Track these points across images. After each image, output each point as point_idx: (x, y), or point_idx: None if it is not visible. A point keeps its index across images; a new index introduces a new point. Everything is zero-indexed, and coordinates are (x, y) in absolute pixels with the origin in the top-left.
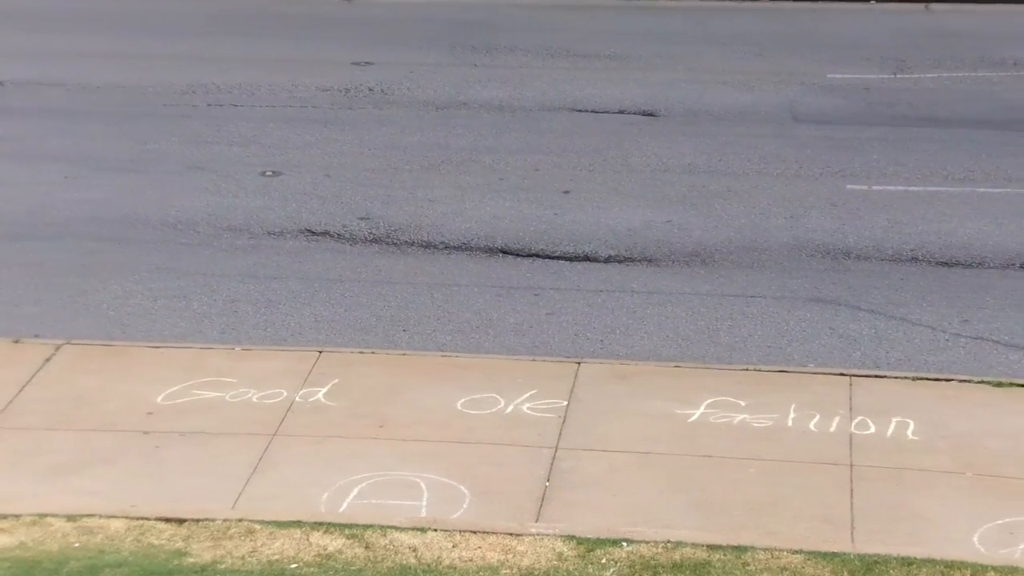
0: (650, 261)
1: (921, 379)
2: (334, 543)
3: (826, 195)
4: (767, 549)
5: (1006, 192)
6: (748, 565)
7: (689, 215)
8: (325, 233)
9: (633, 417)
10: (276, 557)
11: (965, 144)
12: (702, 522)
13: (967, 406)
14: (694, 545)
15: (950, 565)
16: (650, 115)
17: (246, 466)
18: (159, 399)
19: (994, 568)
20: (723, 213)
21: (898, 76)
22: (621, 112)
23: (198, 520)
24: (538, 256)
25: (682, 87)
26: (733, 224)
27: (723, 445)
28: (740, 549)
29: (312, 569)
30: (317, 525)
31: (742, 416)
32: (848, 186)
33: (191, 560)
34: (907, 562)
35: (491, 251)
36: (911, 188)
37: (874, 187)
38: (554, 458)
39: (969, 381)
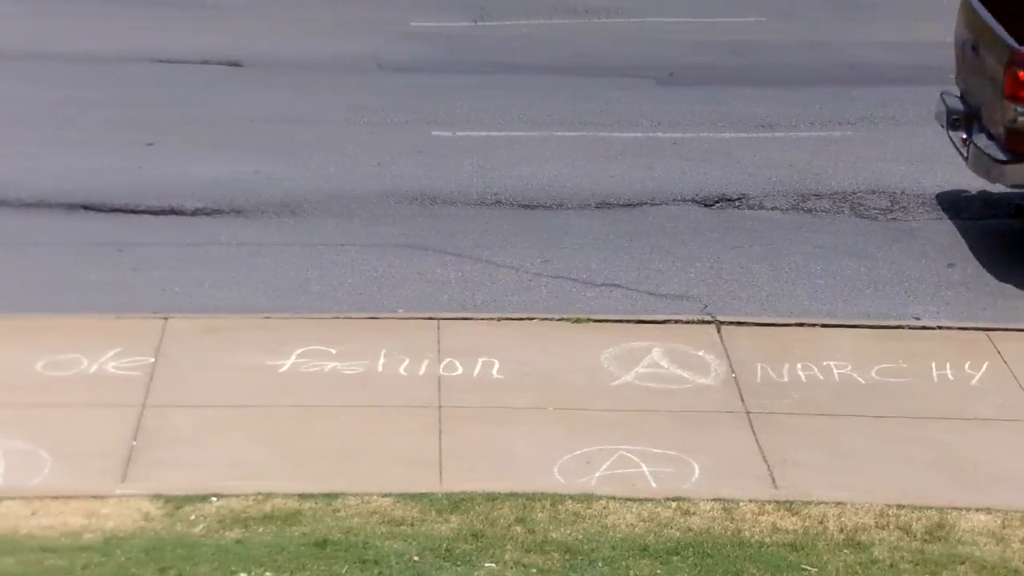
0: (238, 212)
1: (506, 319)
2: None
3: (413, 142)
4: (358, 494)
5: (582, 136)
6: (339, 511)
7: (277, 165)
8: None
9: (223, 371)
10: None
11: (543, 90)
12: (294, 472)
13: (549, 343)
14: (285, 495)
15: (532, 497)
16: (235, 65)
17: None
18: None
19: (571, 497)
20: (311, 162)
21: (479, 24)
22: (205, 63)
23: None
24: (121, 211)
25: (267, 37)
26: (322, 173)
27: (315, 394)
28: (331, 496)
29: None
30: None
31: (333, 364)
32: (434, 133)
33: None
34: (492, 497)
35: (71, 207)
36: (493, 133)
37: (458, 133)
38: (141, 416)
39: (550, 319)
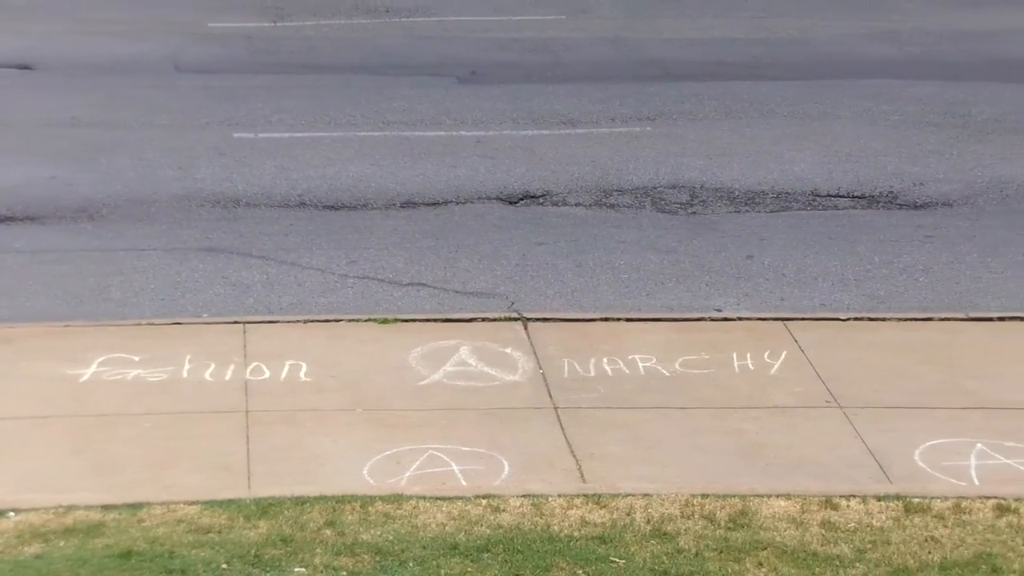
0: (34, 219)
1: (312, 321)
2: None
3: (214, 144)
4: (163, 503)
5: (385, 135)
6: (144, 521)
7: (74, 170)
8: None
9: (20, 382)
10: None
11: (345, 90)
12: (98, 483)
13: (356, 344)
14: (87, 507)
15: (341, 499)
16: (26, 68)
17: None
18: None
19: (381, 498)
20: (110, 167)
21: (278, 24)
22: None
23: None
24: None
25: (61, 38)
26: (121, 178)
27: (118, 402)
28: (136, 506)
29: None
30: None
31: (136, 371)
32: (235, 135)
33: None
34: (301, 501)
35: None
36: (296, 134)
37: (261, 135)
38: None
39: (357, 320)
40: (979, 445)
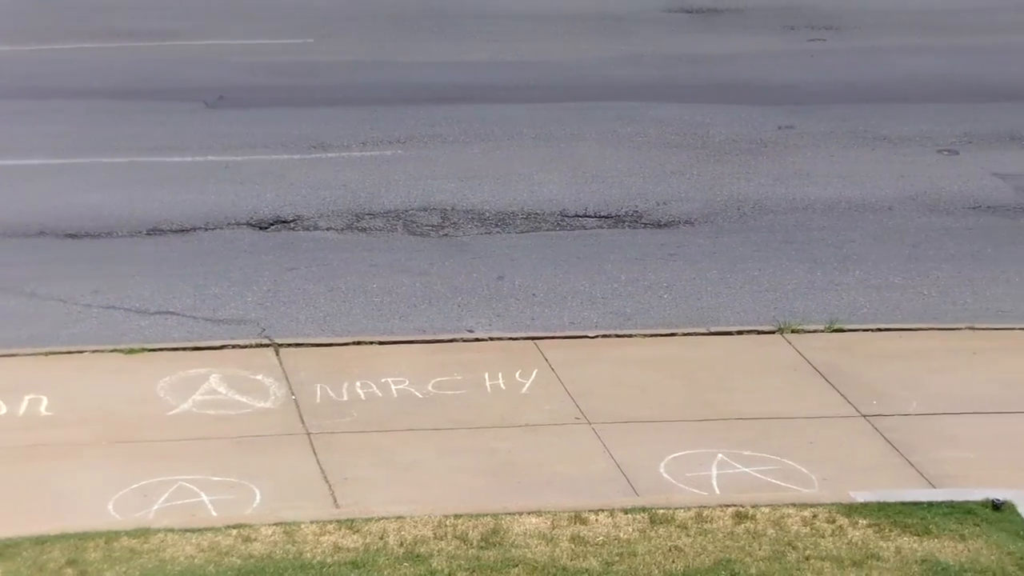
0: None
1: (54, 353)
2: None
3: None
4: None
5: (130, 161)
6: None
7: None
8: None
9: None
10: None
11: (89, 115)
12: None
13: (101, 375)
14: None
15: (84, 536)
16: None
17: None
18: None
19: (127, 532)
20: None
21: (23, 48)
22: None
23: None
24: None
25: None
26: None
27: None
28: None
29: None
30: None
31: None
32: None
33: None
34: (41, 540)
35: None
36: (34, 161)
37: None
38: None
39: (102, 351)
40: (720, 455)
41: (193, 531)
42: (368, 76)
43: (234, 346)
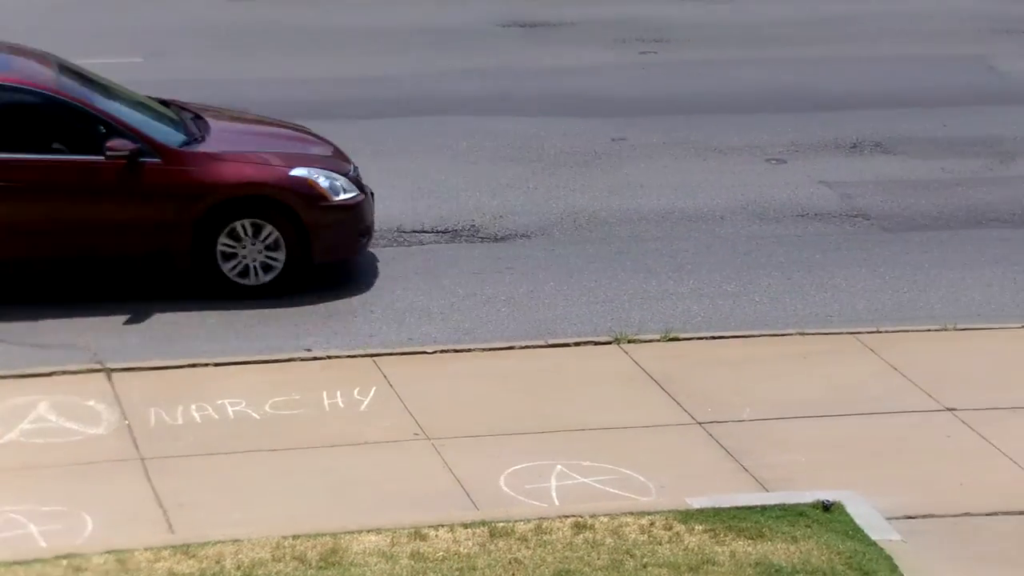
0: None
1: None
2: None
3: None
4: None
5: None
6: None
7: None
8: None
9: None
10: None
11: None
12: None
13: None
14: None
15: None
16: None
17: None
18: None
19: None
20: None
21: None
22: None
23: None
24: None
25: None
26: None
27: None
28: None
29: None
30: None
31: None
32: None
33: None
34: None
35: None
36: None
37: None
38: None
39: None
40: (559, 467)
41: (21, 563)
42: (202, 95)
43: (64, 372)
